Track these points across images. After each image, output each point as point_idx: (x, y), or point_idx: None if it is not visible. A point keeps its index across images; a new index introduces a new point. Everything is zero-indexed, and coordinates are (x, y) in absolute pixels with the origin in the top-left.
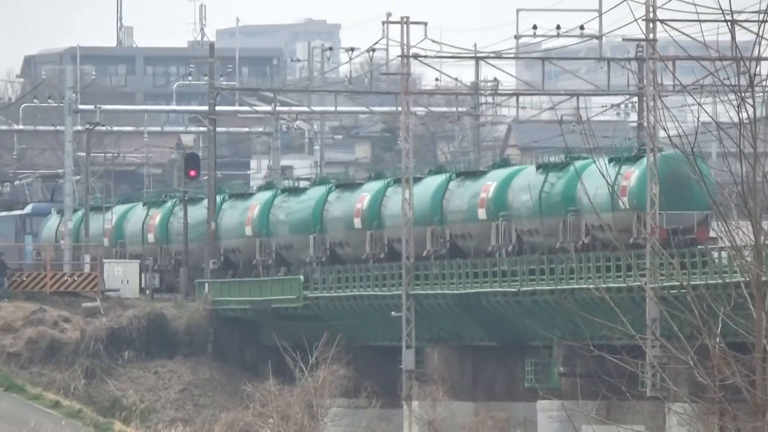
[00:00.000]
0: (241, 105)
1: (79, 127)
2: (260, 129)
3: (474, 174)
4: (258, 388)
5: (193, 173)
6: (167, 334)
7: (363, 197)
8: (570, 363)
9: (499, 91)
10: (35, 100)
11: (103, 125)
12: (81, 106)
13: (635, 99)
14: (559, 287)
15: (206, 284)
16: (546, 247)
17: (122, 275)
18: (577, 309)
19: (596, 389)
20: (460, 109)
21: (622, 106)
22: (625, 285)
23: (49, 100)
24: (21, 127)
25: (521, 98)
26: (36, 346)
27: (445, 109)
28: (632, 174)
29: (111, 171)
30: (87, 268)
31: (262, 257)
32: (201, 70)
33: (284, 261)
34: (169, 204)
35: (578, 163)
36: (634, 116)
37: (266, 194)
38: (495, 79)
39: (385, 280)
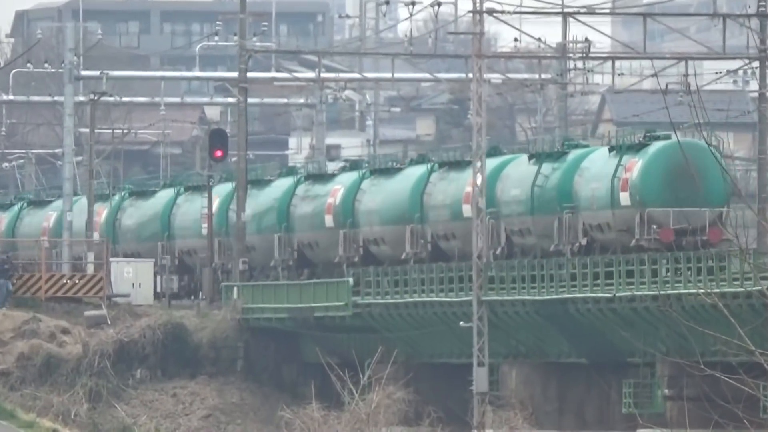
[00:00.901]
0: (278, 71)
1: (81, 98)
2: (301, 100)
3: (459, 164)
4: (298, 414)
5: (219, 153)
6: (188, 348)
7: (336, 191)
8: (676, 384)
9: (590, 54)
10: (29, 65)
11: (110, 95)
12: (84, 72)
13: (756, 64)
14: (663, 292)
15: (235, 288)
16: (538, 250)
17: (133, 277)
18: (685, 319)
19: (707, 415)
20: (543, 76)
21: (740, 72)
22: (742, 290)
23: (46, 65)
24: (11, 97)
25: (618, 63)
26: (29, 363)
27: (525, 75)
28: (635, 165)
29: (120, 151)
30: (90, 269)
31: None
32: (229, 29)
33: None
34: (117, 198)
35: (576, 152)
36: (754, 85)
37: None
38: (586, 39)
39: (452, 284)
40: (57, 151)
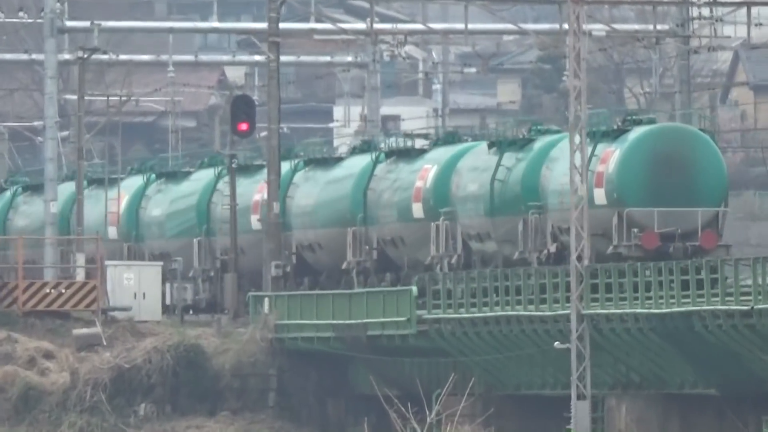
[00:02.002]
0: (318, 21)
1: (67, 56)
2: (349, 58)
3: (409, 153)
4: None
5: (244, 127)
6: (206, 377)
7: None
8: None
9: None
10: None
11: (104, 52)
12: (70, 23)
13: None
14: None
15: (266, 300)
16: (500, 259)
17: (136, 286)
18: None
19: None
20: (659, 27)
21: None
22: None
23: (21, 14)
24: None
25: (755, 10)
26: (2, 395)
27: (636, 26)
28: (612, 155)
29: (117, 124)
30: (81, 275)
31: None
32: None
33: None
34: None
35: (545, 138)
36: None
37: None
38: None
39: (544, 294)
40: (36, 124)
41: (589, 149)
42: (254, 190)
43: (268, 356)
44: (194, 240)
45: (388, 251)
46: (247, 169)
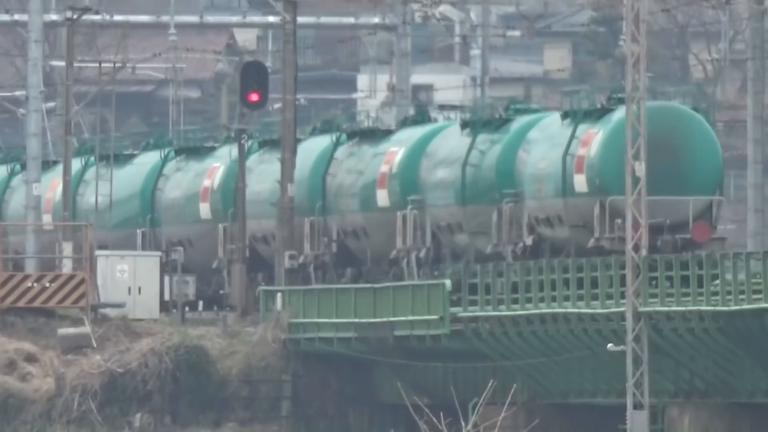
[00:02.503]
0: None
1: (53, 17)
2: (375, 20)
3: (374, 134)
4: None
5: (255, 97)
6: (210, 383)
7: (214, 169)
8: None
9: None
10: None
11: (96, 12)
12: None
13: None
14: None
15: (278, 295)
16: (471, 253)
17: (131, 279)
18: None
19: None
20: None
21: None
22: None
23: None
24: None
25: None
26: None
27: None
28: (594, 137)
29: (111, 94)
30: (68, 267)
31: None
32: None
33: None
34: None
35: (523, 119)
36: None
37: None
38: None
39: (595, 288)
40: (18, 94)
41: (569, 130)
42: (205, 174)
43: (281, 359)
44: (138, 231)
45: (349, 244)
46: (197, 152)
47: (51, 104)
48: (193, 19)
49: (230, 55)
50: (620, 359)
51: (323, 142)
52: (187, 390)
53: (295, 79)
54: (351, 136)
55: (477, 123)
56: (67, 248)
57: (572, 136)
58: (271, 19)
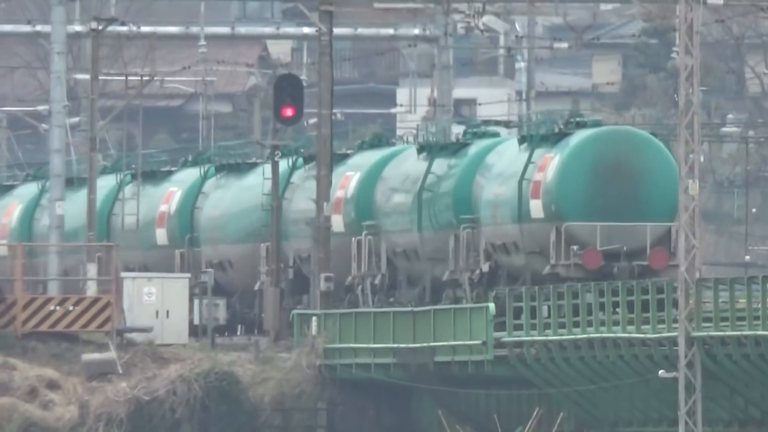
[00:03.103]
0: None
1: (78, 28)
2: (416, 31)
3: (336, 158)
4: None
5: (289, 112)
6: (241, 411)
7: (171, 194)
8: None
9: None
10: None
11: (122, 22)
12: None
13: None
14: None
15: (313, 319)
16: (428, 279)
17: (158, 302)
18: None
19: None
20: None
21: None
22: None
23: None
24: None
25: None
26: None
27: None
28: (550, 162)
29: (138, 108)
30: (92, 289)
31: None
32: None
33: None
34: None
35: (481, 143)
36: None
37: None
38: None
39: (647, 313)
40: (41, 108)
41: (526, 155)
42: (161, 200)
43: (316, 387)
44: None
45: (305, 270)
46: (153, 176)
47: (75, 119)
48: (224, 30)
49: (263, 68)
50: (672, 386)
51: (282, 167)
52: (217, 419)
53: (332, 93)
54: (307, 159)
55: (434, 147)
56: (92, 270)
57: (528, 161)
58: (306, 30)
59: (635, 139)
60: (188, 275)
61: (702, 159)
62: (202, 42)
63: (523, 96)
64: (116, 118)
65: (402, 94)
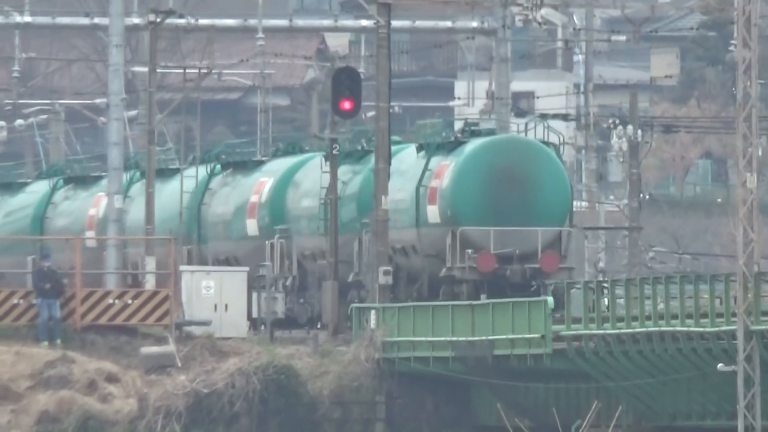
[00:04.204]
0: None
1: (136, 20)
2: (473, 24)
3: (245, 164)
4: None
5: (347, 105)
6: (300, 405)
7: (99, 199)
8: None
9: None
10: None
11: (180, 15)
12: None
13: None
14: None
15: (372, 312)
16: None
17: (217, 296)
18: None
19: None
20: None
21: None
22: None
23: None
24: (28, 18)
25: None
26: (56, 426)
27: None
28: (446, 169)
29: (196, 101)
30: (151, 283)
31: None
32: None
33: None
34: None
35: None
36: None
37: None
38: None
39: (706, 306)
40: (99, 101)
41: (423, 163)
42: (90, 204)
43: (374, 380)
44: (28, 258)
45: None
46: (83, 181)
47: (133, 112)
48: (282, 23)
49: (321, 61)
50: (731, 380)
51: (199, 171)
52: (275, 412)
53: (389, 85)
54: (225, 166)
55: (339, 154)
56: (150, 263)
57: (425, 168)
58: (364, 22)
59: (527, 148)
60: (247, 269)
61: (760, 152)
62: (260, 35)
63: (581, 89)
64: (174, 111)
65: (460, 87)
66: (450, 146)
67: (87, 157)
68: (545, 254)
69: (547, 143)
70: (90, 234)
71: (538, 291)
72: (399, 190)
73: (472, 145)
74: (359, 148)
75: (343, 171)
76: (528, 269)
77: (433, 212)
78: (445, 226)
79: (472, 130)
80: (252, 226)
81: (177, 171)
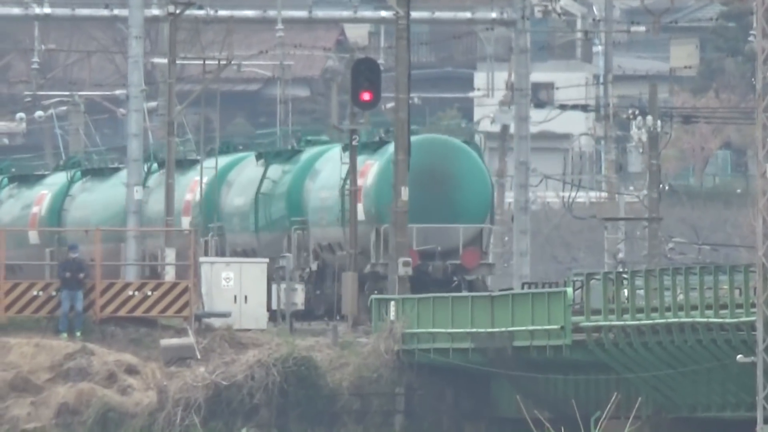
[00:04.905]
0: None
1: (155, 11)
2: (493, 15)
3: (181, 164)
4: None
5: (367, 96)
6: (320, 396)
7: (41, 197)
8: None
9: None
10: None
11: (200, 7)
12: None
13: None
14: None
15: (391, 304)
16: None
17: (236, 287)
18: None
19: None
20: None
21: None
22: None
23: None
24: (48, 10)
25: None
26: (76, 419)
27: None
28: (370, 168)
29: (215, 93)
30: (170, 275)
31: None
32: None
33: None
34: (62, 178)
35: (312, 150)
36: None
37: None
38: None
39: (726, 297)
40: (118, 93)
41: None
42: (33, 201)
43: (394, 371)
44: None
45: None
46: (26, 180)
47: (152, 104)
48: (301, 14)
49: (340, 52)
50: (750, 371)
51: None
52: (295, 403)
53: (409, 77)
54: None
55: (269, 154)
56: (170, 255)
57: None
58: (384, 14)
59: (449, 147)
60: (266, 260)
61: None
62: (280, 26)
63: (601, 80)
64: (194, 103)
65: (479, 78)
66: (374, 146)
67: (105, 149)
68: (467, 250)
69: (468, 143)
70: (32, 232)
71: (459, 287)
72: (325, 189)
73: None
74: (289, 147)
75: (273, 170)
76: (449, 265)
77: (358, 210)
78: (370, 223)
79: (395, 133)
80: (186, 224)
81: (194, 162)
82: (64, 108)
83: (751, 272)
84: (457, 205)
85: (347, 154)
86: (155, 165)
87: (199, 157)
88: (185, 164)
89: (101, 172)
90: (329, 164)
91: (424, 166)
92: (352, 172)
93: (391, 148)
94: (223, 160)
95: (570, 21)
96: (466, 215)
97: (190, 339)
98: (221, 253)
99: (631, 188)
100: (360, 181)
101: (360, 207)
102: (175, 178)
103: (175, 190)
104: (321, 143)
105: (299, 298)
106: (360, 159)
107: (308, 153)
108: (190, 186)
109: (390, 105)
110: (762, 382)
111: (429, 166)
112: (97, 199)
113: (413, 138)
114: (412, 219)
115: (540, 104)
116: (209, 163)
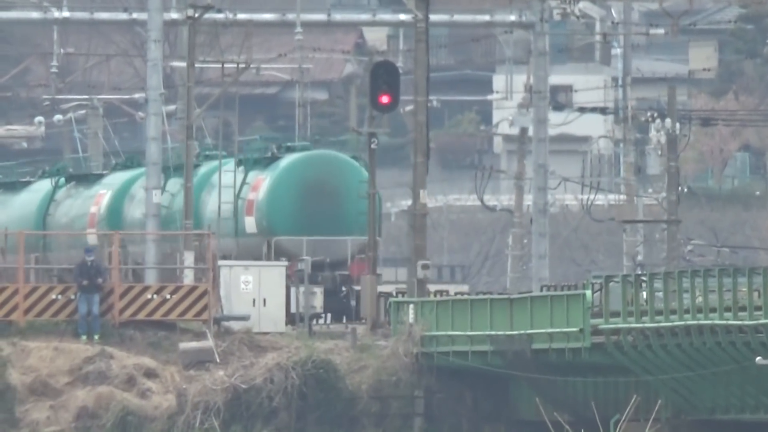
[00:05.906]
0: None
1: (174, 15)
2: (512, 17)
3: (87, 178)
4: None
5: (386, 99)
6: (339, 399)
7: (100, 196)
8: None
9: None
10: None
11: (219, 10)
12: None
13: None
14: None
15: (410, 307)
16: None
17: (255, 290)
18: None
19: None
20: None
21: None
22: None
23: None
24: (67, 14)
25: None
26: (95, 422)
27: None
28: (263, 183)
29: (234, 96)
30: (189, 278)
31: None
32: None
33: None
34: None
35: (210, 164)
36: None
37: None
38: None
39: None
40: (137, 96)
41: (241, 177)
42: (249, 188)
43: (413, 374)
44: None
45: (68, 278)
46: (85, 179)
47: (171, 107)
48: (320, 17)
49: (359, 55)
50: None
51: (46, 185)
52: (314, 407)
53: (428, 79)
54: (69, 179)
55: (168, 168)
56: (189, 258)
57: (244, 182)
58: (402, 17)
59: (337, 162)
60: (286, 263)
61: None
62: (299, 29)
63: (619, 82)
64: (213, 106)
65: (498, 81)
66: (266, 161)
67: (86, 156)
68: (354, 261)
69: (356, 158)
70: (250, 220)
71: (348, 296)
72: (215, 202)
73: (286, 160)
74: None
75: (173, 183)
76: (338, 275)
77: (250, 223)
78: (261, 235)
79: (287, 146)
80: (93, 237)
81: (99, 176)
82: (83, 111)
83: None
84: (345, 217)
85: (241, 168)
86: (62, 180)
87: (105, 171)
88: (90, 178)
89: (86, 178)
90: (224, 177)
91: (314, 180)
92: (372, 178)
93: (282, 163)
94: (126, 175)
95: (589, 23)
96: (354, 227)
97: (209, 342)
98: (125, 264)
99: (650, 191)
100: (252, 195)
101: (251, 220)
102: (80, 192)
103: (80, 203)
104: (215, 158)
105: (318, 301)
106: (252, 174)
107: (206, 167)
108: (96, 199)
109: (409, 108)
110: None
111: (319, 181)
112: (78, 205)
113: (305, 153)
114: (303, 231)
115: (559, 107)
116: (113, 177)
